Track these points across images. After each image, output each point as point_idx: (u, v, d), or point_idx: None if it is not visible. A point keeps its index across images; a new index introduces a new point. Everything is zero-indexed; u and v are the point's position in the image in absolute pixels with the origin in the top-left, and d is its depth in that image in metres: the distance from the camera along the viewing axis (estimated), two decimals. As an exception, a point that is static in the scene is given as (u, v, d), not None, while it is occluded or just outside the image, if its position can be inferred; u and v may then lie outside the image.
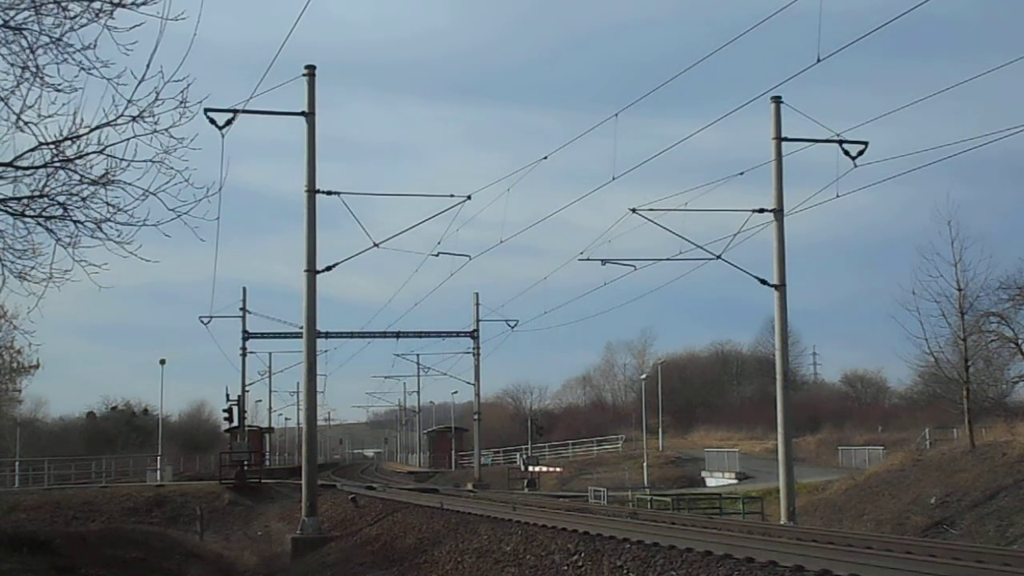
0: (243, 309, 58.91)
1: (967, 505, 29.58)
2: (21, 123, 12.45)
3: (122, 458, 58.73)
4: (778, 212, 27.59)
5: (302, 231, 26.76)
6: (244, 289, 59.81)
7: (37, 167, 13.21)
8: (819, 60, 19.46)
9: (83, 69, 12.22)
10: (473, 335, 61.94)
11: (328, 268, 27.64)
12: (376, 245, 28.18)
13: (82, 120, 12.59)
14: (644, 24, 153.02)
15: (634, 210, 27.31)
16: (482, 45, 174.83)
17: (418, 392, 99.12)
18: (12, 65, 12.51)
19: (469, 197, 27.99)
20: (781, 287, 27.60)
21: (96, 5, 12.10)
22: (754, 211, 27.66)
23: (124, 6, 12.11)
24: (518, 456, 65.01)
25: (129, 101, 12.43)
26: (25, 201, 13.46)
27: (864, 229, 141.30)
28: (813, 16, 18.79)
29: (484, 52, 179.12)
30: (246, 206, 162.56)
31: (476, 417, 65.72)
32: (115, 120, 12.59)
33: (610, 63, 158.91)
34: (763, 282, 27.80)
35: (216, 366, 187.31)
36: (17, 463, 49.96)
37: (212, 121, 23.91)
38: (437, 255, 32.68)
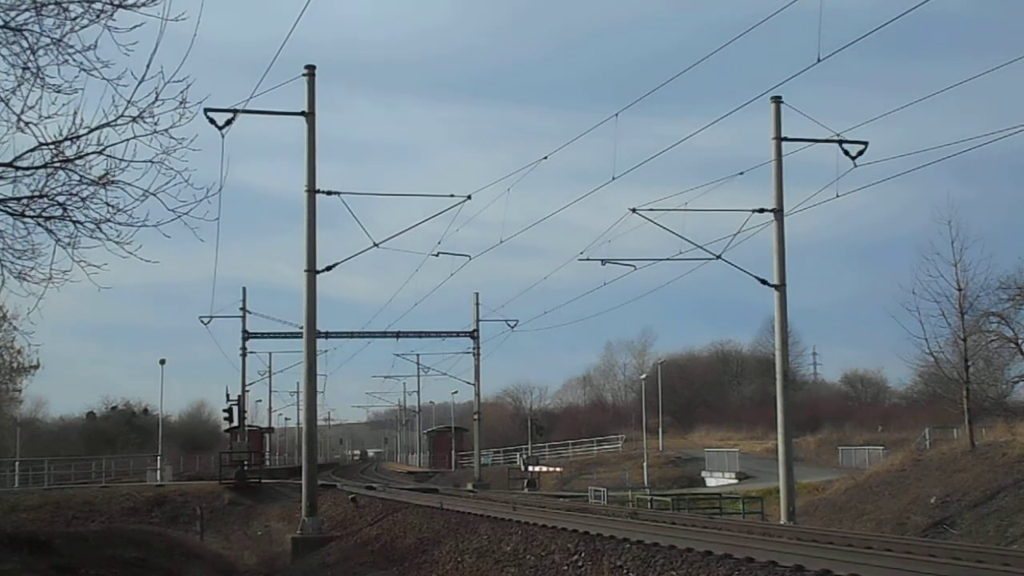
0: (243, 309, 58.88)
1: (967, 505, 29.57)
2: (21, 123, 12.46)
3: (122, 458, 58.75)
4: (778, 212, 27.60)
5: (302, 231, 26.80)
6: (244, 289, 59.82)
7: (37, 167, 13.22)
8: (819, 60, 19.51)
9: (83, 70, 12.24)
10: (473, 335, 61.85)
11: (328, 268, 27.69)
12: (376, 245, 28.23)
13: (82, 120, 12.61)
14: (643, 23, 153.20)
15: (634, 210, 27.32)
16: (482, 44, 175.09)
17: (418, 392, 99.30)
18: (13, 66, 12.54)
19: (469, 197, 28.06)
20: (781, 287, 27.60)
21: (97, 6, 12.12)
22: (754, 211, 27.67)
23: (124, 7, 12.12)
24: (518, 456, 64.97)
25: (129, 102, 12.45)
26: (25, 201, 13.46)
27: (864, 229, 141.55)
28: (813, 16, 18.86)
29: (484, 51, 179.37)
30: (246, 206, 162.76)
31: (476, 417, 65.67)
32: (115, 120, 12.61)
33: (610, 62, 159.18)
34: (763, 282, 27.80)
35: (216, 366, 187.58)
36: (17, 463, 49.97)
37: (212, 121, 23.94)
38: (437, 255, 32.80)
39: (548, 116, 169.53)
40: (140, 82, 12.23)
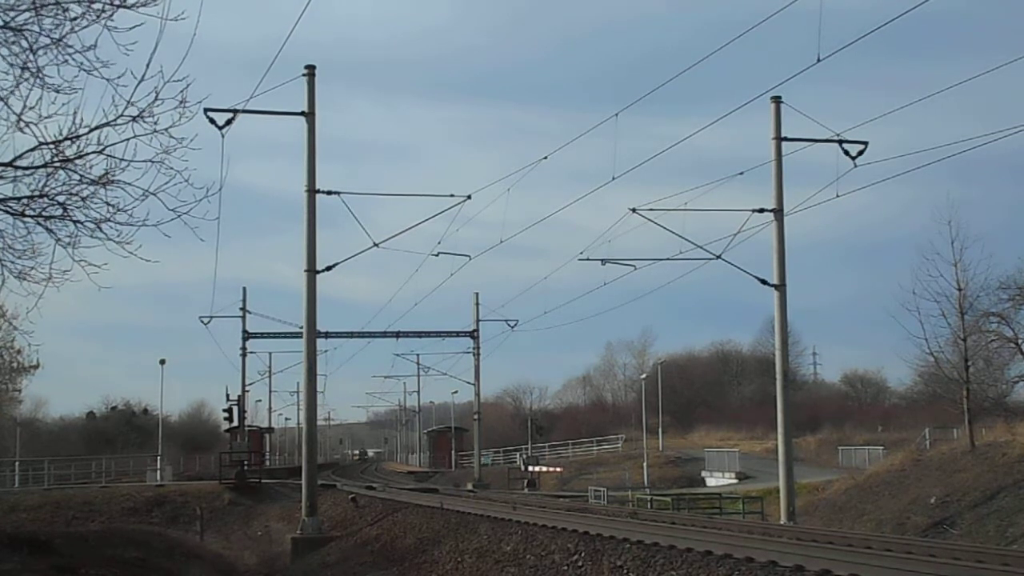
0: (243, 309, 58.88)
1: (967, 505, 29.58)
2: (21, 123, 12.45)
3: (122, 458, 58.74)
4: (778, 212, 27.59)
5: (302, 231, 26.79)
6: (244, 289, 59.83)
7: (37, 167, 13.21)
8: (819, 60, 19.51)
9: (83, 70, 12.24)
10: (473, 335, 61.80)
11: (328, 268, 27.67)
12: (376, 245, 28.22)
13: (82, 120, 12.59)
14: (643, 23, 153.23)
15: (634, 210, 27.31)
16: (482, 44, 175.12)
17: (418, 392, 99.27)
18: (12, 66, 12.53)
19: (469, 197, 28.04)
20: (781, 287, 27.59)
21: (96, 6, 12.11)
22: (754, 211, 27.65)
23: (124, 7, 12.12)
24: (518, 456, 64.97)
25: (129, 101, 12.44)
26: (25, 201, 13.45)
27: (864, 229, 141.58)
28: (813, 16, 18.84)
29: (484, 51, 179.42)
30: (246, 206, 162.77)
31: (476, 417, 65.62)
32: (115, 120, 12.60)
33: (610, 62, 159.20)
34: (763, 282, 27.79)
35: (216, 366, 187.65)
36: (17, 463, 49.95)
37: (212, 121, 23.93)
38: (437, 255, 32.79)
39: (548, 116, 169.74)
40: (140, 82, 12.24)
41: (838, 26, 21.75)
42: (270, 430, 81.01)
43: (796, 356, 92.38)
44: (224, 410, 45.14)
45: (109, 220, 13.40)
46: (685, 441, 78.81)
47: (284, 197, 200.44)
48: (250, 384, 62.39)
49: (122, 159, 12.93)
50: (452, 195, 28.02)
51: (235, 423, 44.34)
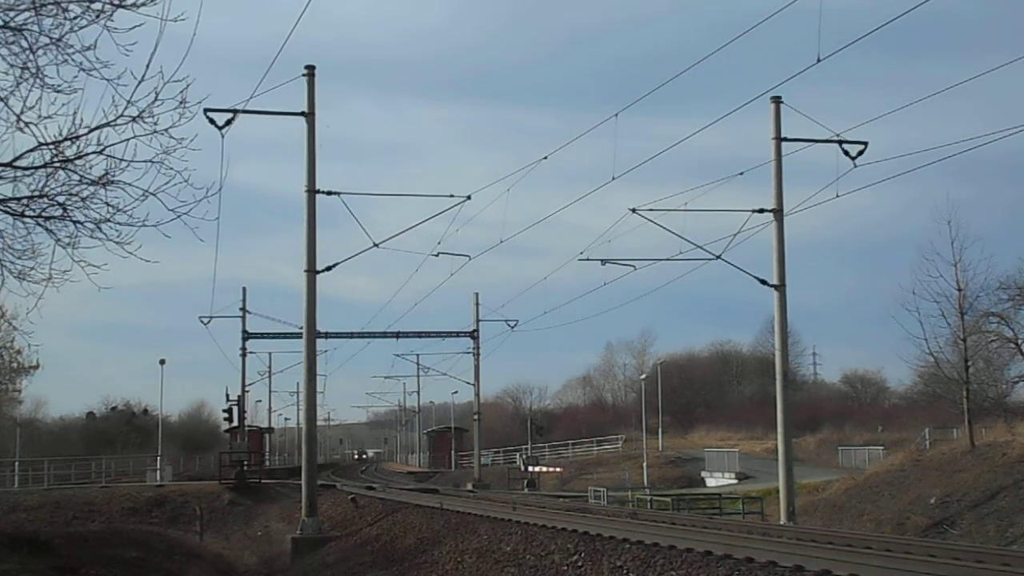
0: (243, 309, 58.86)
1: (967, 505, 29.58)
2: (21, 123, 12.45)
3: (122, 458, 58.73)
4: (778, 212, 27.58)
5: (302, 231, 26.78)
6: (244, 289, 59.79)
7: (37, 167, 13.21)
8: (819, 60, 19.52)
9: (83, 70, 12.23)
10: (473, 335, 61.79)
11: (328, 268, 27.66)
12: (376, 245, 28.21)
13: (82, 120, 12.59)
14: (643, 23, 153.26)
15: (634, 210, 27.31)
16: (482, 44, 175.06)
17: (418, 392, 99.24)
18: (12, 66, 12.52)
19: (469, 197, 28.03)
20: (781, 287, 27.59)
21: (96, 6, 12.10)
22: (754, 211, 27.65)
23: (124, 7, 12.11)
24: (518, 456, 64.96)
25: (129, 102, 12.44)
26: (25, 201, 13.45)
27: (864, 229, 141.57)
28: (813, 16, 18.83)
29: (483, 50, 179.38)
30: (246, 206, 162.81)
31: (476, 417, 65.62)
32: (115, 120, 12.59)
33: (610, 62, 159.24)
34: (763, 282, 27.79)
35: (216, 366, 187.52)
36: (17, 463, 49.93)
37: (212, 121, 23.92)
38: (437, 255, 32.78)
39: (548, 116, 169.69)
40: (140, 82, 12.24)
41: (838, 26, 21.74)
42: (270, 430, 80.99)
43: (796, 356, 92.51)
44: (224, 410, 45.22)
45: (109, 220, 13.42)
46: (685, 441, 78.83)
47: (284, 197, 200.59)
48: (250, 384, 62.44)
49: (122, 159, 12.95)
50: (452, 195, 28.04)
51: (235, 423, 44.37)
